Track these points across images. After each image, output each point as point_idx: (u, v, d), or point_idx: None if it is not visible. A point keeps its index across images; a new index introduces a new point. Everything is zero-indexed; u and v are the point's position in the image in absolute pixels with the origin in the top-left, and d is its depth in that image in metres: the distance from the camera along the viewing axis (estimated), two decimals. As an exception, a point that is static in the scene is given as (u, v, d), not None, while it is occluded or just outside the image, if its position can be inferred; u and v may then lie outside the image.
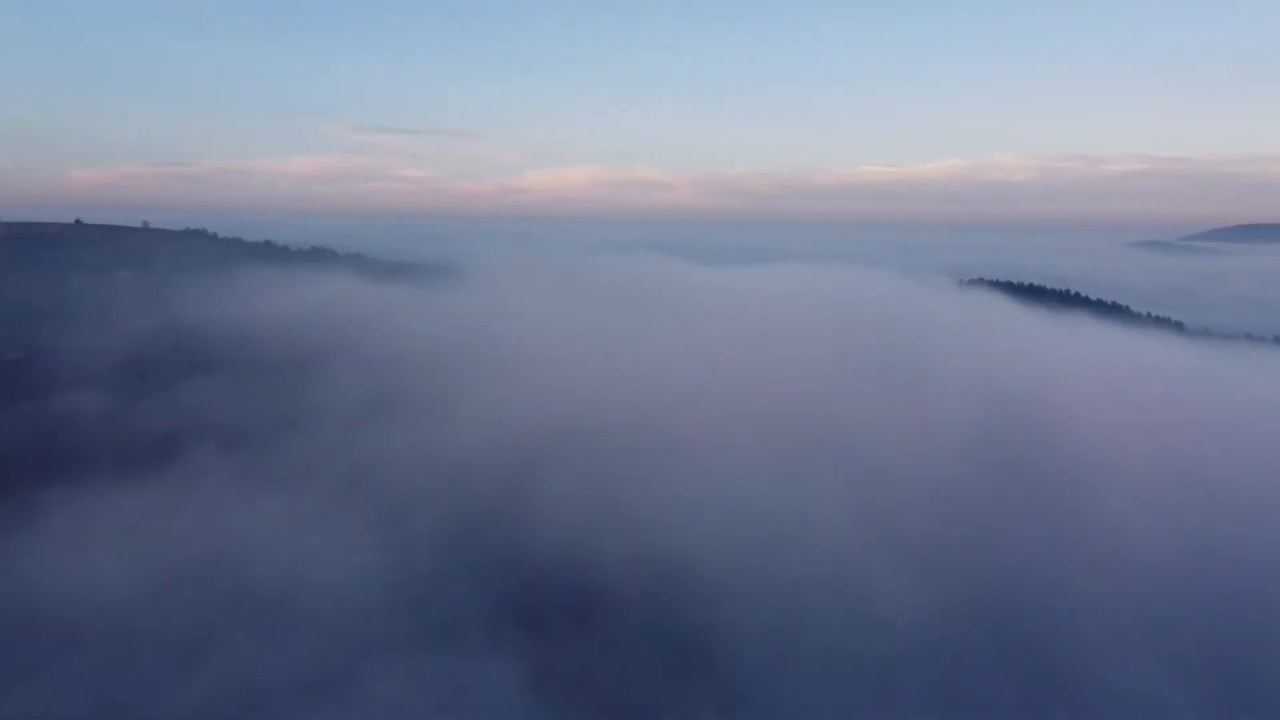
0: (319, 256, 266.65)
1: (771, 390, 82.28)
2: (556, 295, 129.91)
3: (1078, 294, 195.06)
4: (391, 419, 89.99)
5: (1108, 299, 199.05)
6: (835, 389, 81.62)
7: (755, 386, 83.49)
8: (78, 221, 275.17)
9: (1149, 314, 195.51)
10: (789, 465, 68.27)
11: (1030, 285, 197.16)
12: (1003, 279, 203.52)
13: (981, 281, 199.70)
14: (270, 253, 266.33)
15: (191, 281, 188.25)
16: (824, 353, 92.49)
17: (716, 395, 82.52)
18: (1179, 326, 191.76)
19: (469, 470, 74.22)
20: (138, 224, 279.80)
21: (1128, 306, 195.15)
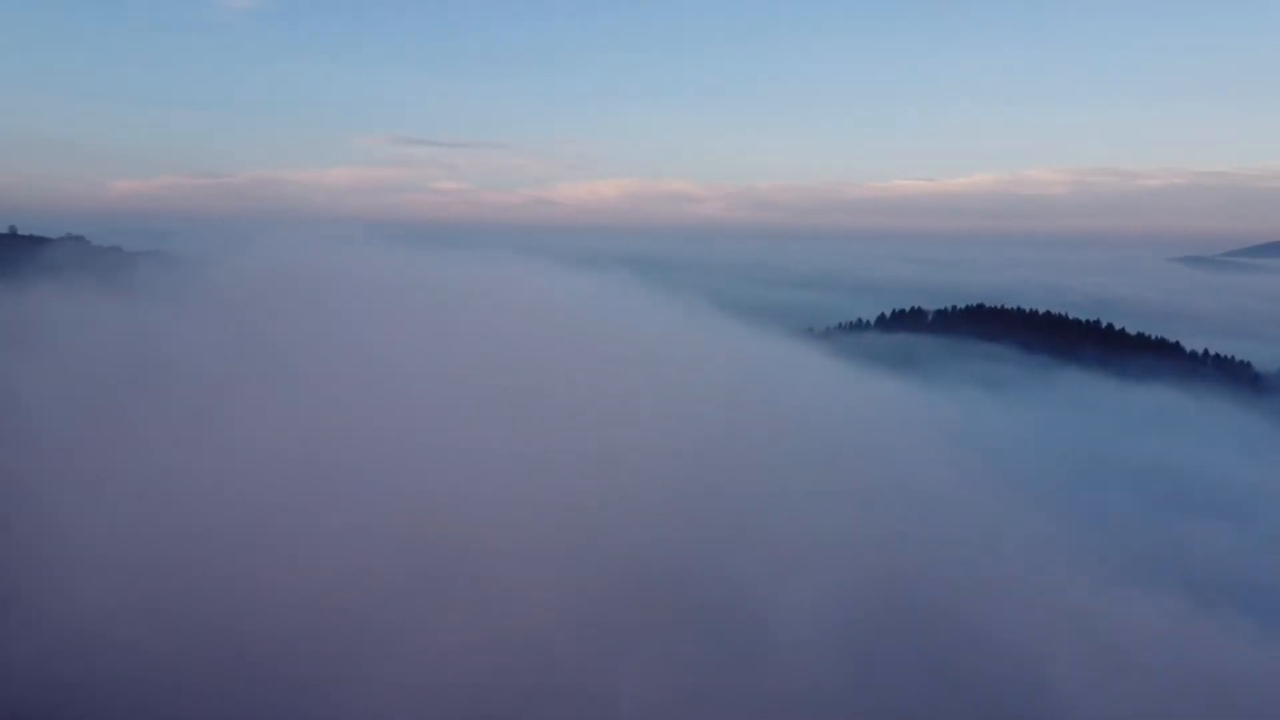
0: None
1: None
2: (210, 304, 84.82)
3: (1110, 325, 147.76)
4: None
5: (1151, 332, 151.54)
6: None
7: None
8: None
9: (1205, 352, 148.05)
10: None
11: (1047, 314, 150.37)
12: (1010, 304, 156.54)
13: (980, 309, 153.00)
14: (151, 262, 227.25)
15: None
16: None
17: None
18: (1246, 370, 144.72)
19: None
20: (4, 229, 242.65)
21: (1177, 343, 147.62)
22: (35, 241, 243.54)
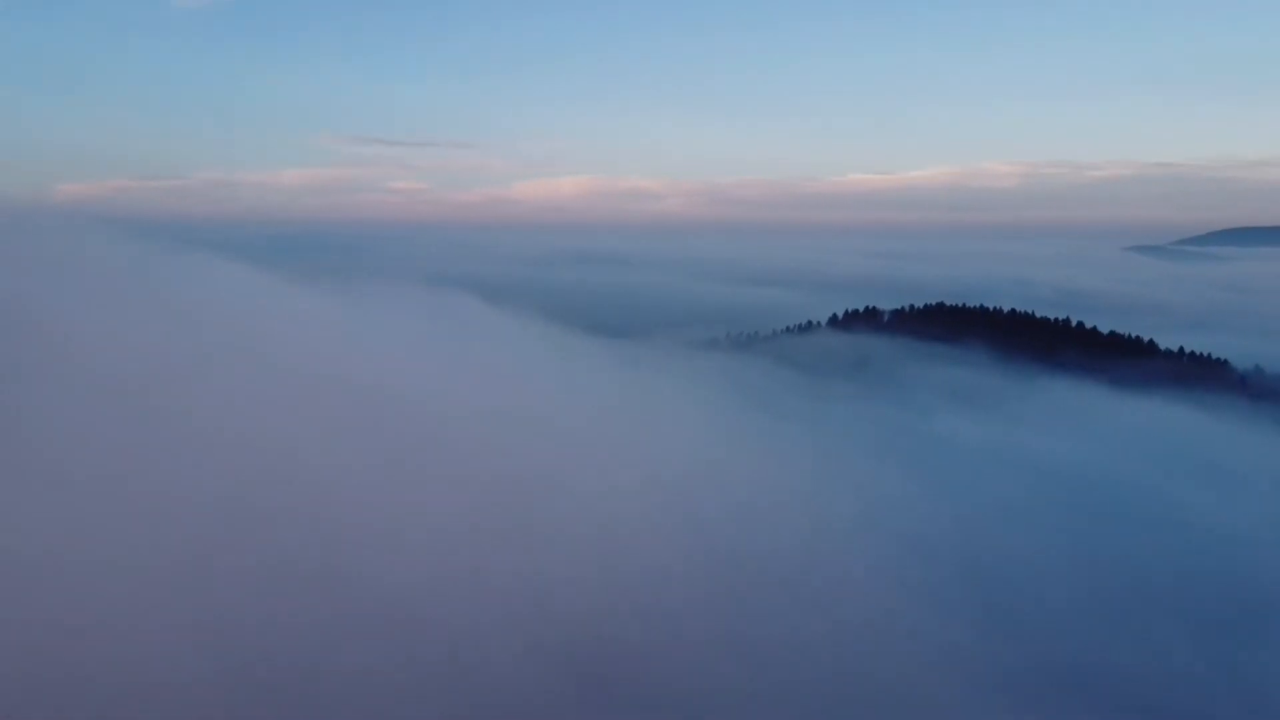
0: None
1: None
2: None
3: (1081, 324, 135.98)
4: None
5: (1122, 328, 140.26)
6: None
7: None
8: None
9: (1181, 350, 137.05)
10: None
11: (1013, 312, 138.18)
12: (974, 302, 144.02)
13: (941, 308, 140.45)
14: None
15: None
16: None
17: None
18: (1225, 368, 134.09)
19: None
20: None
21: (1151, 340, 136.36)
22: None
